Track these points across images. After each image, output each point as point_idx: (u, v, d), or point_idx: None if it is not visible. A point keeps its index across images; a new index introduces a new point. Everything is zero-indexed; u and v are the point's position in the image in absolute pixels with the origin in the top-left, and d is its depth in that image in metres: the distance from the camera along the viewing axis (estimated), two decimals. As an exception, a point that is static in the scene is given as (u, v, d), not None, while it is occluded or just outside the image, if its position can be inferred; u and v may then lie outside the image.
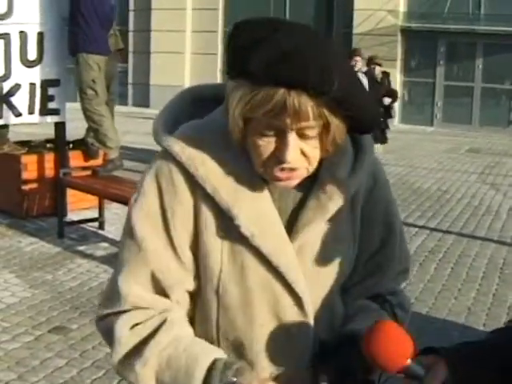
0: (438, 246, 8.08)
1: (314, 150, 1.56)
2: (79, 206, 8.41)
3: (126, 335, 1.65)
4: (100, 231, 8.06)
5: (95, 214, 8.16)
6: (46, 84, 7.77)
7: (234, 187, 1.63)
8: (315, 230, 1.68)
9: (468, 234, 8.69)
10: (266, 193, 1.65)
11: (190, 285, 1.70)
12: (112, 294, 1.70)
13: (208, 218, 1.65)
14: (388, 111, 10.75)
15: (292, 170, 1.56)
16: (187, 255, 1.67)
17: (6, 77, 7.52)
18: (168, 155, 1.66)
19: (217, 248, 1.65)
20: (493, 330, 1.81)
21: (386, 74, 11.27)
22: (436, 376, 1.57)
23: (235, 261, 1.66)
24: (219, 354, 1.65)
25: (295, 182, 1.60)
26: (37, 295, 6.06)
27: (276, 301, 1.67)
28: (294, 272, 1.66)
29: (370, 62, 10.35)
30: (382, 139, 10.51)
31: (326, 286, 1.73)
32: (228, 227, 1.64)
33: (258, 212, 1.64)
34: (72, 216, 8.14)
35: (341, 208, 1.68)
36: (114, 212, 8.61)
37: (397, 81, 20.50)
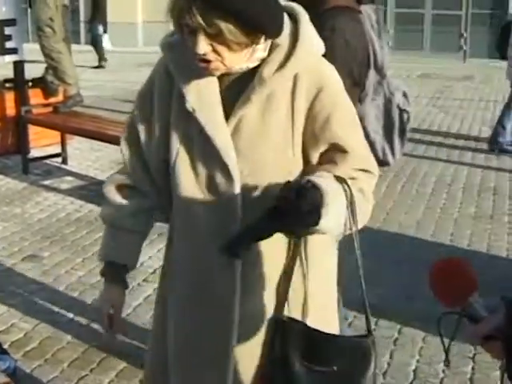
0: (389, 167, 8.39)
1: (222, 48, 1.93)
2: (41, 143, 8.59)
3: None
4: (63, 166, 8.29)
5: (57, 150, 8.37)
6: (2, 24, 7.90)
7: (190, 76, 2.07)
8: (249, 113, 2.03)
9: (418, 155, 9.05)
10: (214, 83, 2.07)
11: (164, 155, 2.17)
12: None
13: (176, 99, 2.12)
14: None
15: (208, 61, 1.95)
16: (162, 127, 2.16)
17: (-38, 17, 7.63)
18: (161, 57, 2.19)
19: (178, 124, 2.12)
20: None
21: None
22: (490, 320, 1.48)
23: (185, 134, 2.11)
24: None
25: (216, 72, 2.01)
26: (8, 228, 6.33)
27: (211, 169, 2.07)
28: (224, 142, 2.04)
29: None
30: None
31: (258, 163, 2.05)
32: (185, 108, 2.09)
33: (203, 95, 2.07)
34: (35, 153, 8.33)
35: (270, 96, 2.03)
36: (76, 147, 8.85)
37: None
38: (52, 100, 8.75)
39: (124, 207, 2.30)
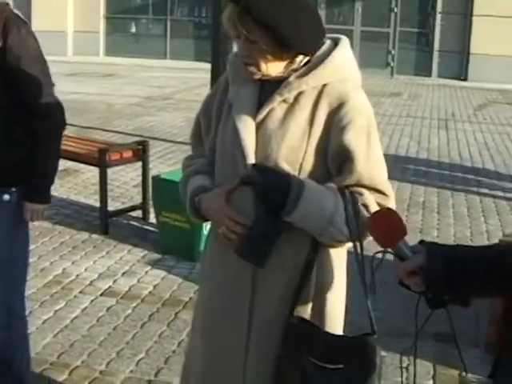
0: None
1: (257, 54, 2.25)
2: None
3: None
4: None
5: None
6: None
7: (238, 80, 2.41)
8: (272, 114, 2.32)
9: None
10: (255, 86, 2.38)
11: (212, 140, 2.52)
12: None
13: (227, 101, 2.45)
14: None
15: (246, 64, 2.30)
16: (215, 125, 2.50)
17: None
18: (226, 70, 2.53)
19: (224, 119, 2.45)
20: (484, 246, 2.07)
21: None
22: (414, 259, 1.82)
23: (225, 125, 2.43)
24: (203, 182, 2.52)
25: (254, 76, 2.32)
26: None
27: (235, 157, 2.37)
28: (247, 135, 2.33)
29: None
30: None
31: (271, 159, 2.31)
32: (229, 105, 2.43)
33: (242, 94, 2.39)
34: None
35: (294, 103, 2.31)
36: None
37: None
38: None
39: (198, 162, 2.58)
